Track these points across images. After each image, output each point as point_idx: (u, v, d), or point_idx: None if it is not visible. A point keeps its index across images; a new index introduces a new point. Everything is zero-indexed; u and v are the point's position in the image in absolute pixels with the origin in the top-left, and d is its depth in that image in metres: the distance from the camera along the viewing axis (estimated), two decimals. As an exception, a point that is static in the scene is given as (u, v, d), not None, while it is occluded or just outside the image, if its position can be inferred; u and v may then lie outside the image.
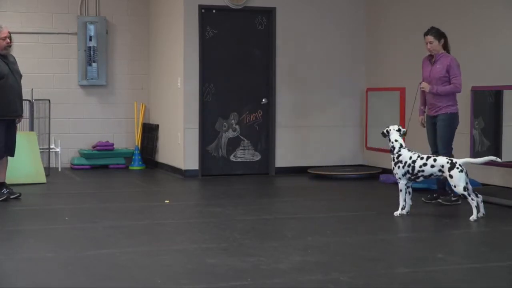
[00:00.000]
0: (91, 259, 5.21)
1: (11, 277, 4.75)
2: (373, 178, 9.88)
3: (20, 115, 8.01)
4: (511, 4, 8.22)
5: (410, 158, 6.93)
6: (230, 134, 10.33)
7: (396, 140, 7.03)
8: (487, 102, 8.58)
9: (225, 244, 5.69)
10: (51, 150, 10.69)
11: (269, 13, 10.38)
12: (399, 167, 6.95)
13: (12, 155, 7.98)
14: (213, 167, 10.25)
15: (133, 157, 11.24)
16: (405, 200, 6.96)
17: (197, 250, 5.50)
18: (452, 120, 7.52)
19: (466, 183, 6.73)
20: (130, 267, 4.98)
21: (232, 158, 10.35)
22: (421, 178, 6.97)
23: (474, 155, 8.13)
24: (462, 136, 7.82)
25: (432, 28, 7.61)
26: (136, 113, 11.52)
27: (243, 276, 4.69)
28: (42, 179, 9.28)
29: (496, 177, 8.23)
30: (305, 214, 7.19)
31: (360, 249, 5.59)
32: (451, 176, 6.76)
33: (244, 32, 10.32)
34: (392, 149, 7.02)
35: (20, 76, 7.99)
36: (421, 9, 9.62)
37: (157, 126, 11.26)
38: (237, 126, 10.34)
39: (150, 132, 11.43)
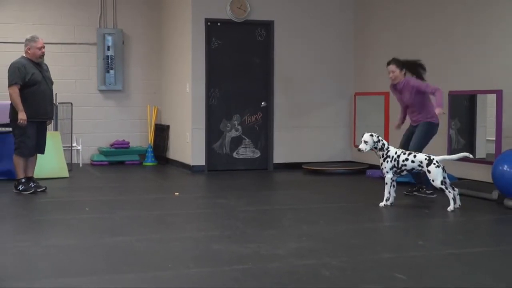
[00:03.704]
0: (109, 245, 5.20)
1: (38, 261, 4.75)
2: (360, 173, 9.87)
3: (50, 118, 7.96)
4: (487, 17, 8.20)
5: (396, 153, 6.95)
6: (233, 133, 10.32)
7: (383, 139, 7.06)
8: (463, 105, 8.56)
9: (229, 232, 5.67)
10: (73, 148, 10.69)
11: (268, 26, 10.36)
12: (387, 161, 6.94)
13: (42, 152, 7.97)
14: (218, 163, 10.23)
15: (147, 154, 11.24)
16: (389, 193, 6.94)
17: (204, 237, 5.48)
18: (430, 127, 7.39)
19: (444, 178, 6.72)
20: (144, 252, 4.97)
21: (234, 155, 10.34)
22: (405, 172, 6.97)
23: (451, 152, 8.12)
24: (440, 135, 7.80)
25: (393, 59, 7.52)
26: (149, 115, 11.51)
27: (244, 261, 4.67)
28: (65, 174, 9.27)
29: (471, 172, 8.22)
30: (300, 205, 7.18)
31: (349, 236, 5.58)
32: (429, 171, 6.76)
33: (245, 42, 10.30)
34: (382, 146, 6.99)
35: (52, 82, 7.89)
36: (403, 21, 9.61)
37: (168, 126, 11.25)
38: (239, 127, 10.32)
39: (161, 131, 11.42)
